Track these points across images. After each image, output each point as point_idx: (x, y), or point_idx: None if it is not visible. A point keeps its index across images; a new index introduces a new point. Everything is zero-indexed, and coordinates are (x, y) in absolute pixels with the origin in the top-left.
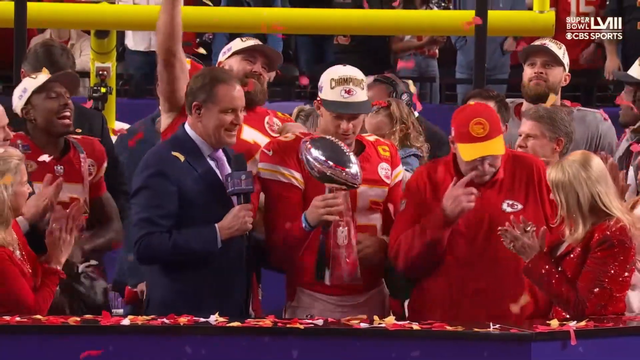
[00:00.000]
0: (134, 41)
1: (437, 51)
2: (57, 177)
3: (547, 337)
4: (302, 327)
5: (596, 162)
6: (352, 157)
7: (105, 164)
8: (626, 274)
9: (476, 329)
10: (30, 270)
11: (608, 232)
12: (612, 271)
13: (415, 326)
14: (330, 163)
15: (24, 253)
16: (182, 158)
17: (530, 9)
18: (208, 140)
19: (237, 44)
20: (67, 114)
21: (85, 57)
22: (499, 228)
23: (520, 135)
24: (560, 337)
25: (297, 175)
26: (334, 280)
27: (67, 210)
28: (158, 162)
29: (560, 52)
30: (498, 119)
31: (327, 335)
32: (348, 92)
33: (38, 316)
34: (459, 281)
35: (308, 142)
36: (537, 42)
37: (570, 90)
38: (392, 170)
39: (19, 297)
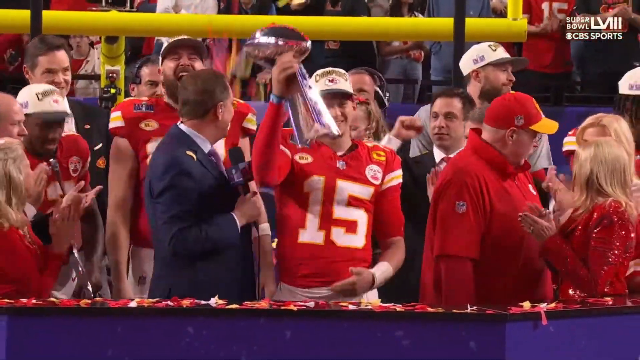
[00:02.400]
0: None
1: (422, 54)
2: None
3: (520, 317)
4: (295, 309)
5: (611, 148)
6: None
7: (89, 159)
8: (626, 254)
9: (455, 310)
10: (38, 252)
11: (606, 210)
12: (616, 247)
13: (399, 308)
14: (281, 42)
15: (30, 236)
16: (194, 157)
17: (496, 15)
18: (210, 137)
19: (163, 47)
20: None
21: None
22: (519, 214)
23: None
24: (532, 317)
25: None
26: (302, 142)
27: (66, 204)
28: (179, 163)
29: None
30: None
31: (317, 317)
32: (332, 80)
33: (52, 299)
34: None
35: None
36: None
37: (541, 91)
38: (384, 173)
39: (26, 277)
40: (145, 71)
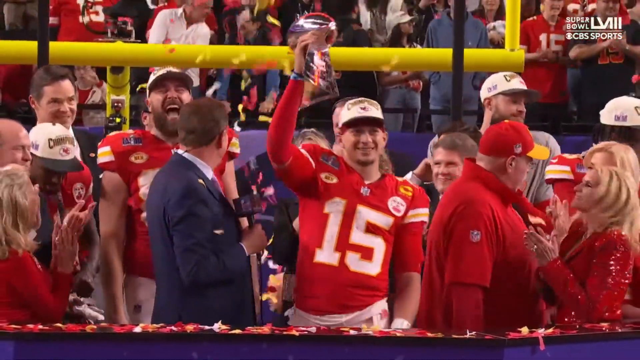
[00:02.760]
0: None
1: (420, 84)
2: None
3: (518, 342)
4: (297, 334)
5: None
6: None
7: (91, 185)
8: (625, 280)
9: (454, 335)
10: (47, 274)
11: (610, 238)
12: (615, 274)
13: (399, 333)
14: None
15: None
16: (204, 184)
17: (494, 45)
18: (211, 164)
19: (150, 80)
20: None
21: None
22: (525, 231)
23: (439, 164)
24: (530, 342)
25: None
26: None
27: (67, 224)
28: (196, 191)
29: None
30: None
31: (319, 342)
32: (364, 108)
33: (58, 324)
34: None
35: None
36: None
37: (538, 120)
38: (408, 208)
39: (41, 300)
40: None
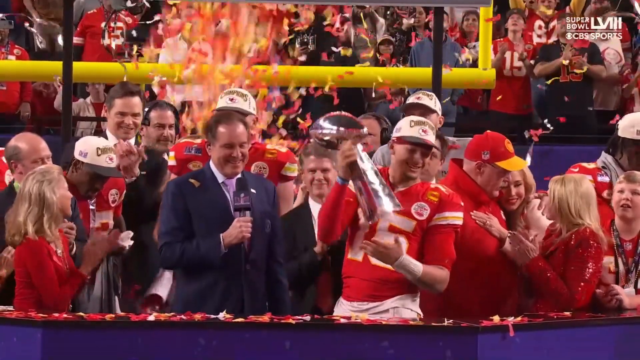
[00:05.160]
0: None
1: (402, 100)
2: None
3: (490, 329)
4: (293, 322)
5: (588, 186)
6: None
7: (124, 192)
8: (598, 273)
9: (433, 323)
10: (67, 269)
11: (584, 235)
12: (591, 266)
13: (384, 321)
14: (342, 128)
15: (64, 255)
16: (197, 184)
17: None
18: (220, 171)
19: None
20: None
21: None
22: (509, 232)
23: (313, 171)
24: (501, 330)
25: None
26: (375, 218)
27: (106, 234)
28: (175, 187)
29: (432, 102)
30: None
31: (313, 329)
32: (424, 131)
33: (80, 313)
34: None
35: (321, 119)
36: (411, 98)
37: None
38: (433, 212)
39: (46, 287)
40: (153, 114)
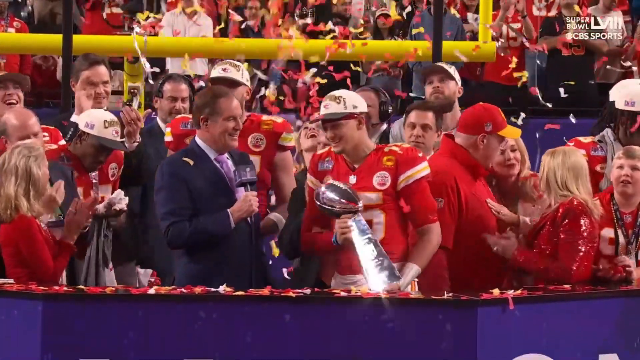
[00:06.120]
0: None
1: (400, 72)
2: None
3: (490, 302)
4: (293, 295)
5: (576, 157)
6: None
7: (123, 166)
8: (592, 244)
9: (433, 297)
10: (52, 242)
11: (570, 206)
12: (583, 238)
13: (384, 294)
14: (343, 200)
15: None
16: (191, 162)
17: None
18: (214, 147)
19: (212, 72)
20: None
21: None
22: (485, 235)
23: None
24: (501, 302)
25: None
26: (372, 287)
27: (85, 201)
28: (170, 167)
29: (451, 70)
30: None
31: (312, 302)
32: (325, 106)
33: (81, 286)
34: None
35: (323, 187)
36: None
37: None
38: (395, 176)
39: (41, 262)
40: (167, 87)
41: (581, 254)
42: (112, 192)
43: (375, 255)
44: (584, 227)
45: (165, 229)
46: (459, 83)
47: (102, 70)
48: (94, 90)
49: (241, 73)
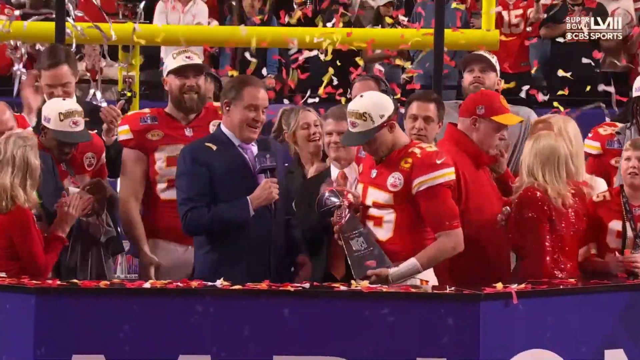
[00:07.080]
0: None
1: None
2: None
3: (493, 297)
4: (292, 289)
5: (547, 141)
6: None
7: (103, 154)
8: (555, 233)
9: (435, 290)
10: (43, 234)
11: (525, 196)
12: (538, 236)
13: (385, 289)
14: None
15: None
16: (214, 147)
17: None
18: (236, 134)
19: (170, 62)
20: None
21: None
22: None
23: (330, 134)
24: (504, 297)
25: None
26: (356, 275)
27: (77, 193)
28: (191, 152)
29: (494, 60)
30: None
31: (312, 296)
32: (353, 125)
33: (74, 280)
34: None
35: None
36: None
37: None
38: (408, 179)
39: (33, 256)
40: None
41: (545, 251)
42: (98, 179)
43: (365, 247)
44: (541, 220)
45: (184, 214)
46: (499, 75)
47: (63, 71)
48: (53, 92)
49: (202, 61)
